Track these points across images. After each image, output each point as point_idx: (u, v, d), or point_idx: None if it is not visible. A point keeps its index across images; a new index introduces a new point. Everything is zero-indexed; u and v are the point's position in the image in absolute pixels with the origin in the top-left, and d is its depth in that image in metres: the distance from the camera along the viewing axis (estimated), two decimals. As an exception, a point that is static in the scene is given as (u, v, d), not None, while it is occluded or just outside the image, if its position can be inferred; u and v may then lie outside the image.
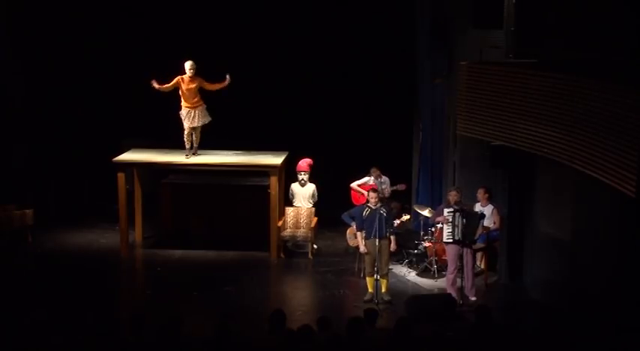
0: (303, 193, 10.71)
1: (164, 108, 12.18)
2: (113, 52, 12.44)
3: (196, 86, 9.99)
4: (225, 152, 10.60)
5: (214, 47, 11.54)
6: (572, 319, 7.92)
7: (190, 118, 10.06)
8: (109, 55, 12.43)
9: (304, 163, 10.71)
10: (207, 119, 10.13)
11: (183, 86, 9.94)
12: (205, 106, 10.12)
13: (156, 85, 9.90)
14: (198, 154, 10.33)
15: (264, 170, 10.44)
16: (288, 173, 10.95)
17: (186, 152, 10.28)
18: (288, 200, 10.84)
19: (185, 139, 10.23)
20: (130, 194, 10.66)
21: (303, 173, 10.64)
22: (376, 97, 12.51)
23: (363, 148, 12.05)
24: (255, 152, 10.75)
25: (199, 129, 10.20)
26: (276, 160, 10.47)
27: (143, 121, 12.31)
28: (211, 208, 11.08)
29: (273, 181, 10.24)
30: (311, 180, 10.72)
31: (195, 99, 10.01)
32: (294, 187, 10.75)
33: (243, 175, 11.24)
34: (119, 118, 12.52)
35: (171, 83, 9.95)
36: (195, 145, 10.28)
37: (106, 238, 11.08)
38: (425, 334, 5.95)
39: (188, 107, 10.04)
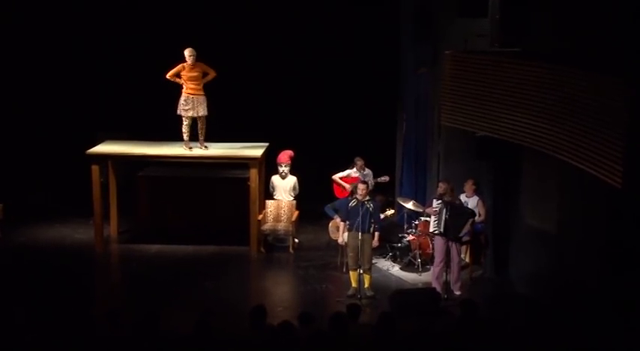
0: (284, 185, 10.69)
1: (140, 99, 12.18)
2: (88, 41, 12.31)
3: (199, 74, 9.92)
4: (204, 144, 10.52)
5: (189, 35, 11.42)
6: (558, 313, 8.00)
7: (191, 106, 9.94)
8: (83, 45, 12.31)
9: (285, 154, 10.68)
10: (205, 112, 10.02)
11: (185, 74, 9.88)
12: (205, 98, 10.02)
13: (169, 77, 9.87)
14: (206, 147, 10.22)
15: (244, 162, 10.41)
16: (268, 165, 10.93)
17: (185, 144, 10.15)
18: (268, 193, 10.82)
19: (186, 130, 10.10)
20: (104, 187, 10.58)
21: (283, 165, 10.62)
22: (359, 87, 12.50)
23: (346, 140, 12.05)
24: (234, 144, 10.69)
25: (204, 119, 10.09)
26: (255, 151, 10.43)
27: (118, 111, 12.21)
28: (189, 201, 11.04)
29: (253, 174, 10.21)
30: (292, 172, 10.71)
31: (199, 87, 9.94)
32: (275, 179, 10.73)
33: (222, 167, 11.18)
34: (93, 109, 12.39)
35: (174, 70, 9.88)
36: (200, 137, 10.19)
37: (80, 233, 10.99)
38: (409, 330, 5.97)
39: (189, 94, 9.94)
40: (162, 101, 10.54)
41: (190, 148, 10.23)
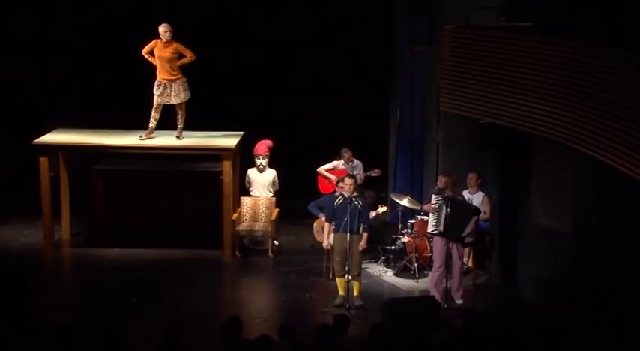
0: (262, 180, 10.67)
1: (94, 82, 12.08)
2: (32, 12, 12.19)
3: (172, 54, 9.85)
4: (170, 133, 10.46)
5: (154, 11, 11.35)
6: (571, 322, 8.05)
7: (165, 93, 9.91)
8: (26, 17, 12.18)
9: (263, 145, 10.67)
10: (186, 96, 9.96)
11: (157, 52, 9.83)
12: (185, 79, 9.97)
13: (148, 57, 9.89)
14: (182, 138, 10.16)
15: (216, 154, 10.36)
16: (243, 157, 10.90)
17: (149, 132, 10.13)
18: (244, 189, 10.80)
19: (154, 117, 10.06)
20: (55, 183, 10.51)
21: (261, 157, 10.60)
22: (346, 68, 12.49)
23: (332, 128, 12.06)
24: (205, 133, 10.65)
25: (183, 106, 10.04)
26: (229, 141, 10.40)
27: (69, 95, 12.10)
28: (153, 198, 11.01)
29: (227, 167, 10.19)
30: (271, 165, 10.69)
31: (173, 70, 9.88)
32: (251, 173, 10.71)
33: (191, 159, 11.15)
34: (41, 92, 12.27)
35: (148, 46, 9.85)
36: (180, 125, 10.15)
37: (26, 235, 10.93)
38: (404, 343, 5.98)
39: (163, 80, 9.90)
40: (120, 83, 10.47)
41: (141, 136, 10.11)
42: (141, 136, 10.17)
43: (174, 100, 9.98)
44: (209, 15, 12.26)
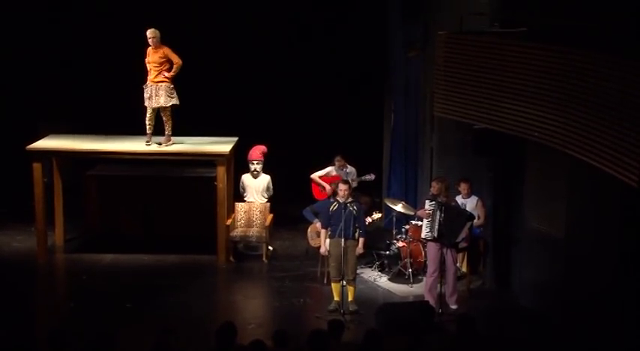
0: (256, 185, 10.67)
1: (88, 87, 12.08)
2: (26, 17, 12.19)
3: (161, 58, 9.87)
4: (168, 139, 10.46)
5: (149, 16, 11.36)
6: (566, 328, 8.06)
7: (151, 96, 9.92)
8: (24, 26, 12.18)
9: (257, 150, 10.67)
10: (171, 101, 9.94)
11: (148, 58, 9.91)
12: (172, 85, 9.95)
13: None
14: (170, 144, 10.15)
15: (210, 159, 10.36)
16: (238, 163, 10.90)
17: (147, 138, 10.14)
18: (238, 194, 10.79)
19: (146, 122, 10.06)
20: (48, 188, 10.49)
21: (255, 163, 10.60)
22: (340, 73, 12.50)
23: (326, 133, 12.07)
24: (199, 138, 10.66)
25: (168, 112, 10.03)
26: (223, 147, 10.40)
27: (63, 100, 12.11)
28: (147, 204, 10.99)
29: (221, 172, 10.18)
30: (265, 170, 10.70)
31: (160, 74, 9.90)
32: (246, 178, 10.71)
33: (185, 165, 11.16)
34: (34, 96, 12.27)
35: (147, 55, 9.92)
36: (166, 132, 10.14)
37: (19, 241, 10.90)
38: (398, 349, 5.98)
39: (150, 82, 9.93)
40: (113, 88, 10.48)
41: (147, 142, 10.16)
42: (148, 142, 10.13)
43: (156, 103, 9.97)
44: (203, 20, 12.28)
